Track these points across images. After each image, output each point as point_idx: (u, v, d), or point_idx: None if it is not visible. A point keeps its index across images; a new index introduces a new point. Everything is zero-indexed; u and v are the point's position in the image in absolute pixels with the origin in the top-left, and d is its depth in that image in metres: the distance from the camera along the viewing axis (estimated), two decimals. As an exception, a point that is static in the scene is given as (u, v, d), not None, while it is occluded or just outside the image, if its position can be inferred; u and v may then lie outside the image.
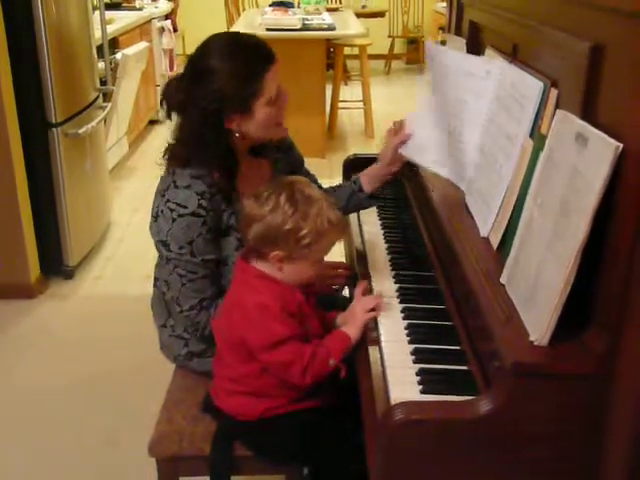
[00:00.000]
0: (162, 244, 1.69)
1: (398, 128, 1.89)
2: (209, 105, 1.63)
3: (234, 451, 1.66)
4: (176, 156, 1.72)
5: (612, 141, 1.08)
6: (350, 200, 1.97)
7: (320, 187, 1.95)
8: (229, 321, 1.57)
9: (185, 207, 1.65)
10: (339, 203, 1.80)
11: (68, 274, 3.57)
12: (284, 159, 1.93)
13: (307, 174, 2.01)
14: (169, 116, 1.73)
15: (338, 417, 1.62)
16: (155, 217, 1.70)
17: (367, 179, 1.96)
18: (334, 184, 2.06)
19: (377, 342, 1.49)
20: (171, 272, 1.70)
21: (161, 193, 1.69)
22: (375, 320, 1.56)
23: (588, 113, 1.22)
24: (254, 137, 1.73)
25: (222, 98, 1.62)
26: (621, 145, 1.06)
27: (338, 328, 1.61)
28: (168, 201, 1.66)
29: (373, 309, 1.58)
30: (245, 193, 1.68)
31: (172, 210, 1.65)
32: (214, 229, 1.69)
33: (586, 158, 1.14)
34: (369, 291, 1.69)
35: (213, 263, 1.71)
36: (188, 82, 1.67)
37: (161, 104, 1.74)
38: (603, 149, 1.09)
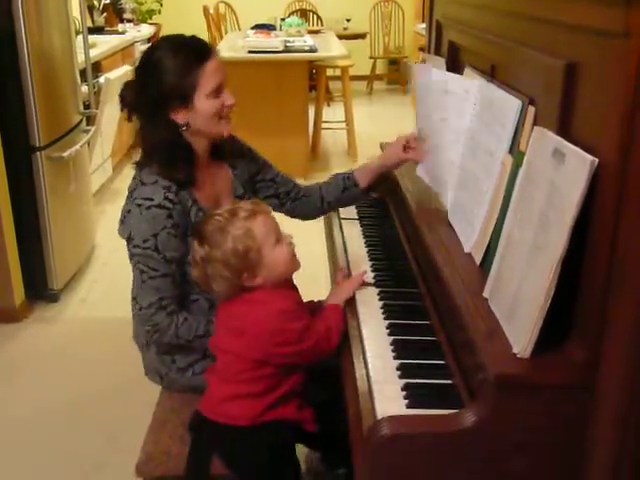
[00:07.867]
0: (128, 240, 1.74)
1: (411, 142, 1.97)
2: (153, 98, 1.72)
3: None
4: (141, 161, 1.79)
5: (588, 156, 1.10)
6: (344, 193, 2.06)
7: (299, 188, 2.08)
8: (251, 341, 1.59)
9: (151, 199, 1.70)
10: (333, 194, 2.04)
11: (53, 297, 3.56)
12: (242, 162, 1.96)
13: (278, 175, 2.05)
14: (130, 118, 1.80)
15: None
16: (123, 217, 1.76)
17: (362, 175, 2.05)
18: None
19: (363, 356, 1.51)
20: (133, 268, 1.74)
21: (129, 194, 1.76)
22: (360, 336, 1.58)
23: (564, 129, 1.25)
24: (202, 130, 1.77)
25: (164, 91, 1.70)
26: (597, 160, 1.09)
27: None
28: (135, 199, 1.72)
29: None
30: (205, 205, 1.77)
31: (139, 205, 1.71)
32: (181, 225, 1.73)
33: (563, 173, 1.17)
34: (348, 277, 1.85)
35: (175, 264, 1.73)
36: (138, 80, 1.77)
37: (121, 108, 1.81)
38: (579, 164, 1.12)
